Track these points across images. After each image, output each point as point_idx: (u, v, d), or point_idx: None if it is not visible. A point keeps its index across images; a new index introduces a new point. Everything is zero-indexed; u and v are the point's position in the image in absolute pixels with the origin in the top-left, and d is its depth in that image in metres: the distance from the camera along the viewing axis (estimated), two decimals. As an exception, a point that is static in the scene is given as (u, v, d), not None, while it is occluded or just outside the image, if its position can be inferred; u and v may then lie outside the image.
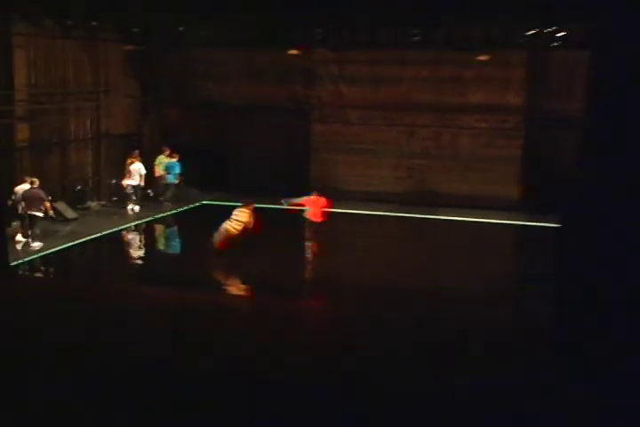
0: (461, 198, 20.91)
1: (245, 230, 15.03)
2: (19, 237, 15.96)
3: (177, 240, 18.84)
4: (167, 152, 20.75)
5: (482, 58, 19.08)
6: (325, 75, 21.81)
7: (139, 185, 19.71)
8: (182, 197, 20.88)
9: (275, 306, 9.34)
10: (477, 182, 20.97)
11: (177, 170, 20.57)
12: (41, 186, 16.29)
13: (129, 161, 19.61)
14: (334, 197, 19.46)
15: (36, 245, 15.71)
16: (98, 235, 17.13)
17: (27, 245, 15.69)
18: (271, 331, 7.85)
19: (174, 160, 20.60)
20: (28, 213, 15.66)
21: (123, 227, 18.30)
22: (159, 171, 20.67)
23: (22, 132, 18.11)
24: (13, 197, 15.90)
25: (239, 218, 15.03)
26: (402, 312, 10.36)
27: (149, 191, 21.18)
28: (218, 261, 15.08)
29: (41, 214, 15.73)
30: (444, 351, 7.50)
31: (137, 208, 19.56)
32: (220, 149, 22.42)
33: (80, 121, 20.29)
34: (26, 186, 15.98)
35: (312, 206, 16.06)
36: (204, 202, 21.17)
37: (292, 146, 21.94)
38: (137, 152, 20.38)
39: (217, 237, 15.03)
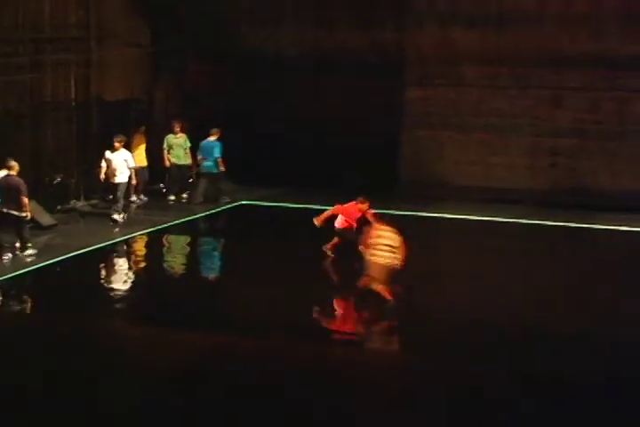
0: (630, 198, 20.40)
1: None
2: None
3: (214, 262, 18.20)
4: (177, 128, 20.86)
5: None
6: (428, 12, 21.34)
7: (127, 184, 19.19)
8: (212, 194, 21.11)
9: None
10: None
11: (217, 153, 20.52)
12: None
13: (116, 143, 18.91)
14: (437, 194, 20.57)
15: (30, 252, 16.33)
16: (82, 251, 16.90)
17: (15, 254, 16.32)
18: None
19: (212, 139, 20.54)
20: (5, 211, 16.15)
21: (121, 238, 18.09)
22: (169, 158, 20.88)
23: None
24: None
25: (390, 242, 14.08)
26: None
27: (161, 186, 21.47)
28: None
29: (23, 214, 16.16)
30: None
31: (121, 217, 19.00)
32: (267, 124, 22.53)
33: (61, 82, 20.12)
34: (2, 173, 16.43)
35: (343, 212, 16.35)
36: (244, 202, 21.16)
37: (374, 120, 21.71)
38: (143, 129, 20.73)
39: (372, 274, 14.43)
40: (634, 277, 16.25)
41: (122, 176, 18.97)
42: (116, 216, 18.60)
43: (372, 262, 14.03)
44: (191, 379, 10.38)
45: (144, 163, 20.48)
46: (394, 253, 13.93)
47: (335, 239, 16.29)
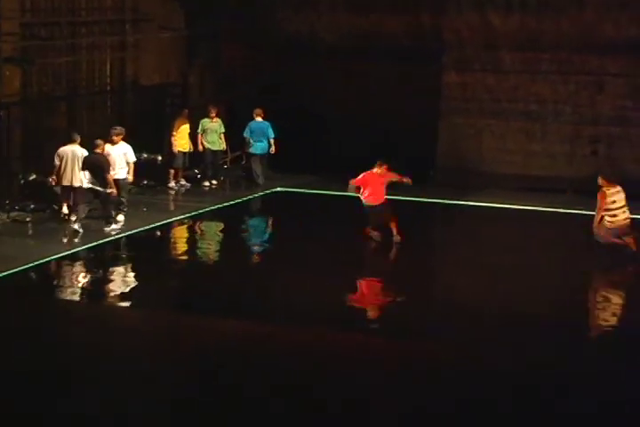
0: None
1: None
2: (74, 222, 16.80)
3: (253, 248, 17.90)
4: (213, 113, 20.86)
5: None
6: None
7: (125, 180, 17.84)
8: (243, 181, 21.51)
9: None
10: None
11: (271, 133, 20.77)
12: (37, 160, 17.37)
13: (114, 137, 17.61)
14: (475, 182, 20.66)
15: (114, 227, 16.82)
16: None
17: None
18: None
19: (259, 119, 20.77)
20: (91, 187, 16.84)
21: (160, 223, 18.07)
22: (203, 142, 20.80)
23: (11, 82, 18.00)
24: (57, 163, 16.91)
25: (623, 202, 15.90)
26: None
27: (196, 171, 21.34)
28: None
29: (108, 190, 16.82)
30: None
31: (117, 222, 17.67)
32: (304, 109, 22.34)
33: (96, 65, 20.30)
34: (76, 147, 16.84)
35: (371, 184, 16.52)
36: (279, 189, 21.20)
37: (411, 106, 21.56)
38: (186, 112, 20.63)
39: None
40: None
41: (121, 172, 17.79)
42: (120, 217, 17.60)
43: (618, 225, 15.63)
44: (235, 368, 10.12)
45: (186, 148, 20.44)
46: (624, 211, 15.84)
47: (370, 222, 16.46)
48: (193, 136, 20.47)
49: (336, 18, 22.27)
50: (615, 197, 15.83)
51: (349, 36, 22.05)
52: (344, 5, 22.17)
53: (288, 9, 22.50)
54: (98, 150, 16.97)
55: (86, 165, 16.84)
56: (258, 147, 20.73)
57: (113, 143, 17.53)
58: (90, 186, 16.94)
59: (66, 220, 17.03)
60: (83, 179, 16.89)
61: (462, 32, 21.21)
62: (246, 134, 20.84)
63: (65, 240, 16.17)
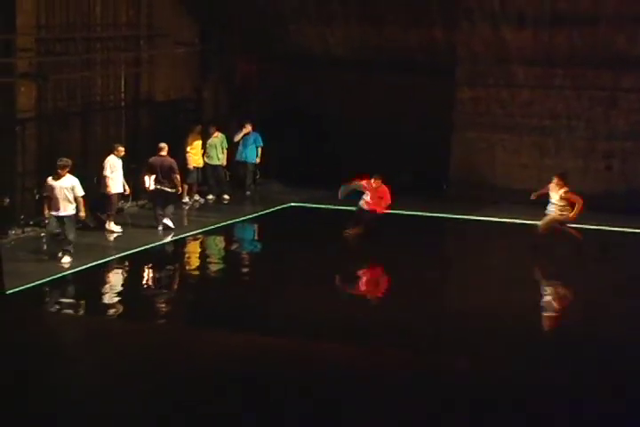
0: None
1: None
2: (113, 225, 17.76)
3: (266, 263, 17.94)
4: (212, 131, 21.09)
5: None
6: (479, 10, 21.24)
7: (71, 217, 16.39)
8: (257, 195, 21.74)
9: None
10: None
11: (259, 142, 21.32)
12: (51, 175, 16.61)
13: (59, 170, 16.24)
14: (487, 197, 20.74)
15: (168, 223, 17.88)
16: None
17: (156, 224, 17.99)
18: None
19: (246, 131, 21.27)
20: (159, 187, 17.96)
21: (184, 235, 18.56)
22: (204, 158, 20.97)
23: (27, 97, 18.08)
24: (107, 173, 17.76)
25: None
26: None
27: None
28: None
29: (174, 190, 18.09)
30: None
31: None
32: (316, 123, 22.54)
33: (111, 80, 20.40)
34: (112, 158, 17.78)
35: (372, 193, 17.54)
36: (293, 204, 21.19)
37: (424, 120, 21.71)
38: (199, 128, 20.85)
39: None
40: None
41: (68, 208, 16.12)
42: (66, 259, 15.98)
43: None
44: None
45: (200, 163, 20.60)
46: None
47: (359, 227, 17.37)
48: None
49: (349, 31, 22.29)
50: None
51: (361, 50, 22.14)
52: (357, 19, 22.14)
53: (301, 22, 22.49)
54: (162, 153, 18.05)
55: (153, 167, 17.95)
56: (247, 155, 21.09)
57: (58, 177, 15.96)
58: (158, 187, 17.93)
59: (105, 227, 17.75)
60: (148, 182, 17.96)
61: (475, 46, 21.28)
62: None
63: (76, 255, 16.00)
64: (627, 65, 20.25)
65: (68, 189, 15.91)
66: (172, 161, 18.30)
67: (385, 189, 17.68)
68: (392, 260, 17.07)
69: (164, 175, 18.16)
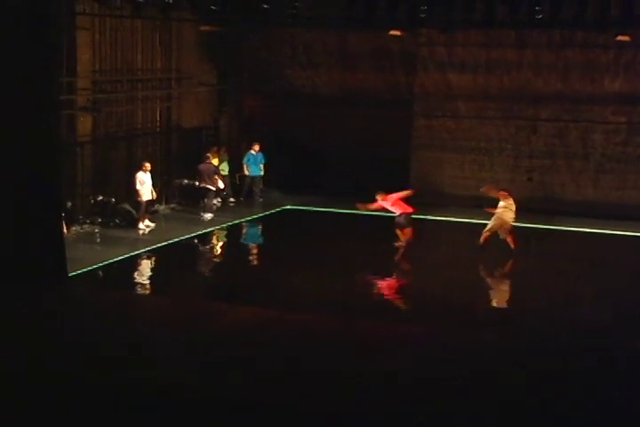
0: (591, 206, 20.89)
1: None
2: (142, 225, 18.93)
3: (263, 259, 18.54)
4: (222, 152, 21.93)
5: (621, 38, 19.03)
6: (431, 60, 21.92)
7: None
8: (258, 201, 22.12)
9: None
10: (612, 188, 21.12)
11: (262, 160, 21.93)
12: (103, 185, 18.78)
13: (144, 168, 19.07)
14: (438, 202, 20.87)
15: (208, 216, 19.88)
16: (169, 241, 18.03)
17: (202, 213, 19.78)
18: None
19: (253, 152, 21.81)
20: (203, 185, 20.02)
21: (208, 230, 19.28)
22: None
23: (84, 126, 18.79)
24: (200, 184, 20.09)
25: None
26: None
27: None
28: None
29: (213, 187, 20.02)
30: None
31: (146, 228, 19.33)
32: (307, 145, 22.87)
33: (148, 112, 21.02)
34: (140, 174, 18.82)
35: (387, 205, 17.42)
36: (288, 207, 21.97)
37: (390, 143, 22.03)
38: (215, 149, 21.42)
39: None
40: (591, 273, 16.44)
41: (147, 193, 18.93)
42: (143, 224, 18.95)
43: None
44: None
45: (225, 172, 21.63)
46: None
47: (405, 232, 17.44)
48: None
49: (332, 75, 23.06)
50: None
51: (342, 90, 22.91)
52: (338, 66, 22.82)
53: (295, 68, 23.18)
54: (208, 161, 20.10)
55: (202, 171, 19.91)
56: (255, 170, 21.83)
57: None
58: (203, 185, 19.96)
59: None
60: (198, 182, 20.05)
61: (428, 87, 21.99)
62: (245, 162, 21.97)
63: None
64: (544, 100, 21.15)
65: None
66: (215, 166, 20.19)
67: (390, 196, 17.44)
68: (360, 249, 17.42)
69: (209, 177, 19.92)
